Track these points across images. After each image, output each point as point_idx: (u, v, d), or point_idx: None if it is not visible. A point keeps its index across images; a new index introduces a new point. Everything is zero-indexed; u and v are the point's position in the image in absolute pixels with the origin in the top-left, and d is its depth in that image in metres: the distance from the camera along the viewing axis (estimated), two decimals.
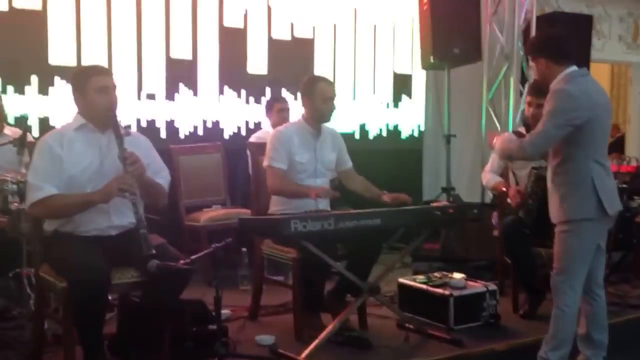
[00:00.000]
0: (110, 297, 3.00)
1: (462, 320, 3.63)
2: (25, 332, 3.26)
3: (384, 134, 6.20)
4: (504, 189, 4.01)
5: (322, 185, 3.61)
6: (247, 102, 5.45)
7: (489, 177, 4.18)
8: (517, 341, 3.54)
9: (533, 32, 6.15)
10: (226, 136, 5.36)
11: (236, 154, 5.21)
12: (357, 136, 6.00)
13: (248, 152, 4.71)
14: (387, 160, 5.92)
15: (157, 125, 5.08)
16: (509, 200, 3.94)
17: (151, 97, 5.05)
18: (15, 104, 4.56)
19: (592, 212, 3.00)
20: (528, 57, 3.29)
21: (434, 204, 3.73)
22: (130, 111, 4.91)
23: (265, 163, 3.58)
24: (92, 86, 2.91)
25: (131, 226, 2.87)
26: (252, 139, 4.90)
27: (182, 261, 2.72)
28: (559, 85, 3.01)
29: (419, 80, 6.38)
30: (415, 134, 6.40)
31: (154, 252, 2.72)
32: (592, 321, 3.17)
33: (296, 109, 4.95)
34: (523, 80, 6.34)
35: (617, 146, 7.82)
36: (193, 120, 5.24)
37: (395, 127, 6.27)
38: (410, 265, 4.97)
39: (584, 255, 3.05)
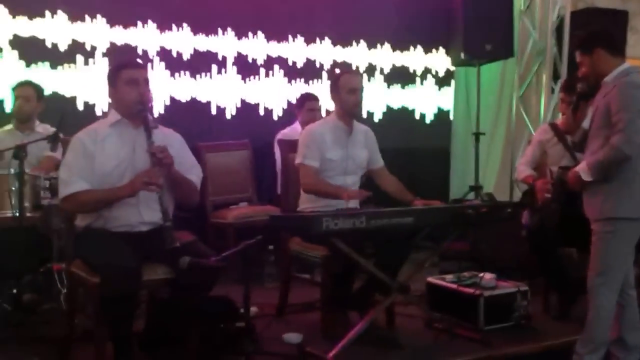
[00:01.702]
0: None
1: (493, 320, 3.57)
2: (55, 327, 3.28)
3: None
4: (531, 181, 3.95)
5: (354, 189, 3.59)
6: None
7: (522, 169, 4.11)
8: (548, 343, 3.48)
9: (567, 28, 6.04)
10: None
11: (262, 151, 5.20)
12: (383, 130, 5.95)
13: (276, 149, 4.69)
14: (414, 158, 5.86)
15: None
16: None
17: None
18: None
19: (637, 211, 2.93)
20: (575, 52, 3.16)
21: (467, 203, 3.68)
22: None
23: (297, 161, 3.57)
24: (122, 79, 2.93)
25: (162, 222, 2.86)
26: (280, 135, 4.88)
27: (213, 258, 2.72)
28: (623, 78, 2.94)
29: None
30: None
31: (177, 244, 2.73)
32: (625, 323, 3.10)
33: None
34: (555, 77, 6.23)
35: None
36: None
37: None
38: (437, 264, 4.91)
39: (626, 255, 2.99)
